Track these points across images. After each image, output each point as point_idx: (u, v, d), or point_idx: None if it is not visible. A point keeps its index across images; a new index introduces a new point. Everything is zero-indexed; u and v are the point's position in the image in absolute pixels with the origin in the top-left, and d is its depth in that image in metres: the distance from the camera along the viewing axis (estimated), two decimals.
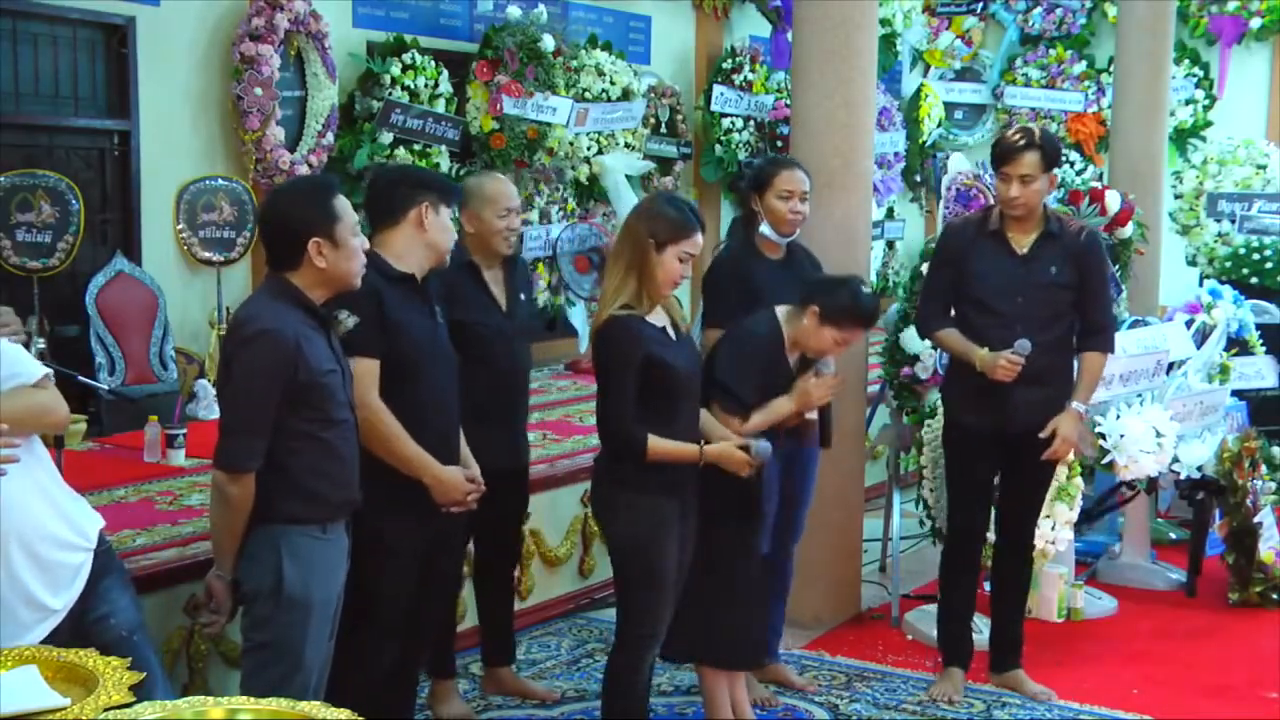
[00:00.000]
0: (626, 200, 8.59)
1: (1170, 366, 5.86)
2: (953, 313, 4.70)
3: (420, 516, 3.72)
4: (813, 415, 4.15)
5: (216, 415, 3.92)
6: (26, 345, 3.18)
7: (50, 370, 2.97)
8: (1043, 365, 4.50)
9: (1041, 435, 4.54)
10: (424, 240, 3.73)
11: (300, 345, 3.20)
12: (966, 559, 4.87)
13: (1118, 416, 5.42)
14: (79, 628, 2.93)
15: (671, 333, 3.86)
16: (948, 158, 8.91)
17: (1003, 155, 4.53)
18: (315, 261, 3.25)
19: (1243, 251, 8.16)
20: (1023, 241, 4.59)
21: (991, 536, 5.09)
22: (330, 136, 7.13)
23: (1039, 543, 5.13)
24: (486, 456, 4.02)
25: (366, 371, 3.56)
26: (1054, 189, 4.62)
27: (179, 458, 5.30)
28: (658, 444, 3.75)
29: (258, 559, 3.26)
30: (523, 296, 4.55)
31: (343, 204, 3.32)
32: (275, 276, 3.31)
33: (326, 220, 3.26)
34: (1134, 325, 6.21)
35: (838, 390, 4.22)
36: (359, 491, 3.41)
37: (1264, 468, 6.04)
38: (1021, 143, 4.51)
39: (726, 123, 9.78)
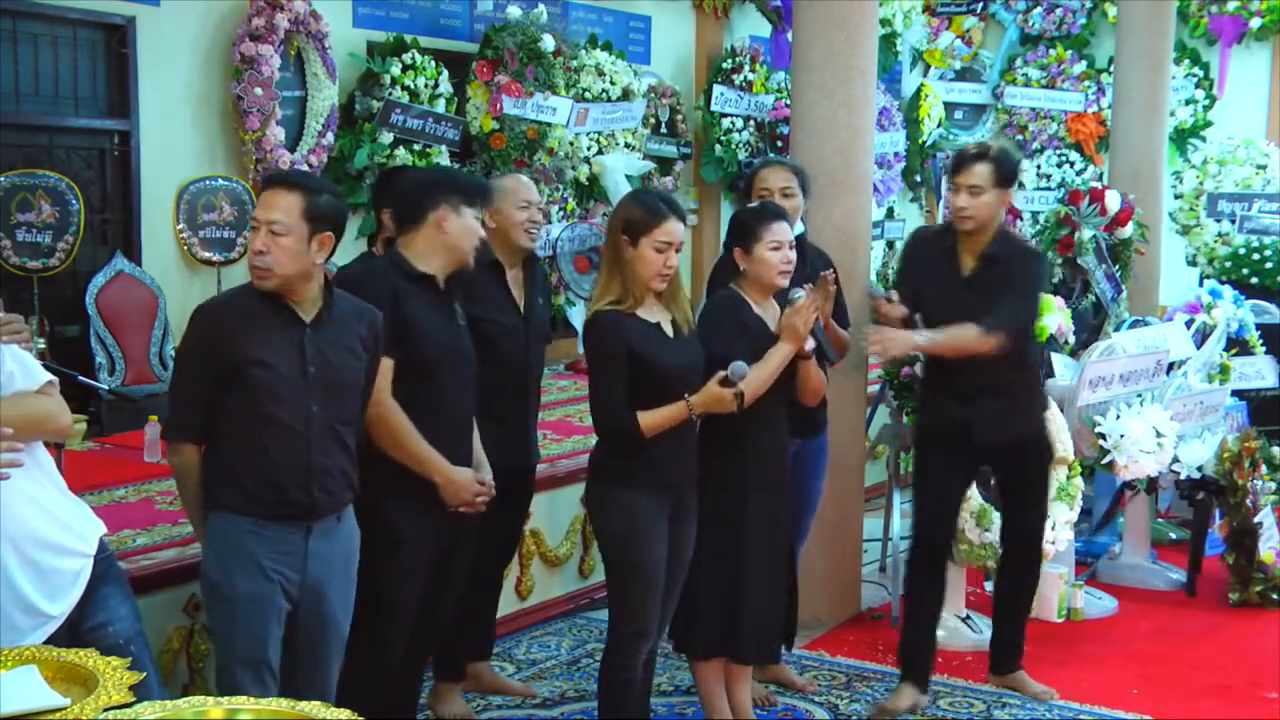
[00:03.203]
0: None
1: (1170, 366, 5.86)
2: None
3: (436, 512, 3.72)
4: (811, 344, 4.13)
5: None
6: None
7: (55, 378, 2.97)
8: (1001, 378, 4.51)
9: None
10: (444, 243, 3.73)
11: (237, 330, 3.19)
12: (932, 570, 4.76)
13: (1118, 416, 5.41)
14: (76, 635, 2.91)
15: (668, 329, 3.87)
16: (948, 158, 8.92)
17: (955, 165, 4.59)
18: None
19: (1243, 251, 8.18)
20: (969, 264, 4.57)
21: (990, 537, 5.10)
22: (330, 136, 7.13)
23: None
24: (492, 454, 4.02)
25: (382, 370, 3.56)
26: (1005, 205, 4.59)
27: None
28: (648, 418, 3.78)
29: (205, 539, 3.32)
30: (540, 300, 4.57)
31: (263, 199, 3.23)
32: None
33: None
34: (1134, 325, 6.21)
35: (816, 303, 4.12)
36: (312, 497, 3.24)
37: (1264, 468, 6.04)
38: (973, 154, 4.56)
39: (726, 123, 9.77)
